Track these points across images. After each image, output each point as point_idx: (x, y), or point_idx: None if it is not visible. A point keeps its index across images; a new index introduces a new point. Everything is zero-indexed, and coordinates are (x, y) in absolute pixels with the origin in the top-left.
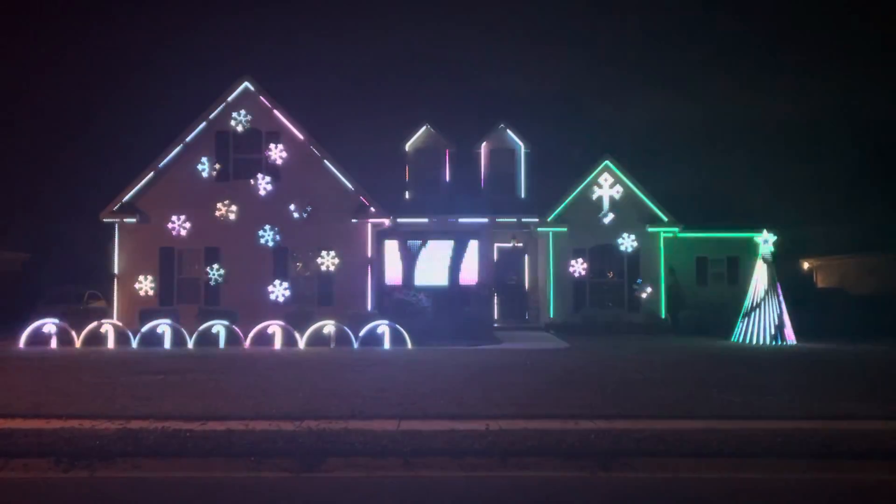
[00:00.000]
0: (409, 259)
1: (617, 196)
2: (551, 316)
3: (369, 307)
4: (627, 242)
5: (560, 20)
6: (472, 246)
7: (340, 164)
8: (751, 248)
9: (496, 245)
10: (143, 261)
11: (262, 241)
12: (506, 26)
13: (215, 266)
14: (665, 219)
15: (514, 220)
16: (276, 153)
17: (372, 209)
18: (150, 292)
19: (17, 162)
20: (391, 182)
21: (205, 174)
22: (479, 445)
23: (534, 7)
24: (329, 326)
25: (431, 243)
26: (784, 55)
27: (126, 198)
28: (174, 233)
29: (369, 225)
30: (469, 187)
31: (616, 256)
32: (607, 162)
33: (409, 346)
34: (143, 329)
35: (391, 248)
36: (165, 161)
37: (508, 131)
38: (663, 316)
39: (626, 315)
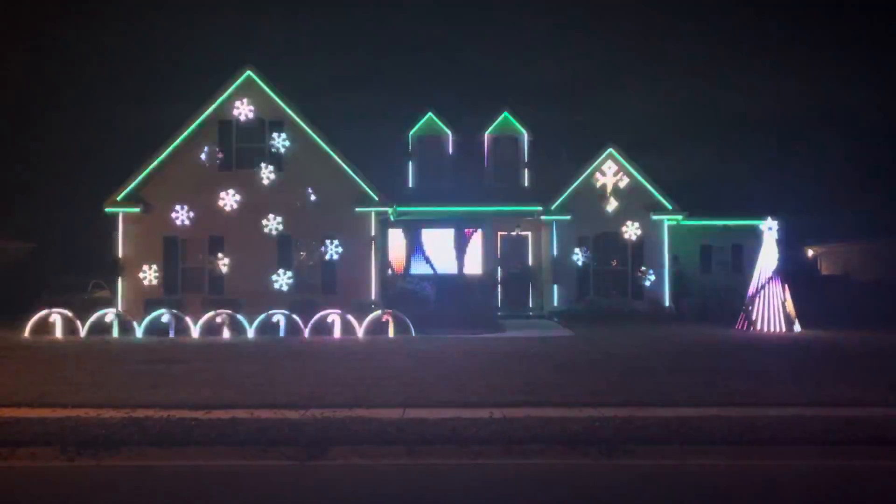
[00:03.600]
0: (413, 247)
1: (621, 184)
2: (555, 304)
3: (373, 296)
4: (631, 230)
5: (564, 8)
6: (476, 234)
7: (344, 153)
8: (755, 236)
9: (500, 233)
10: (147, 250)
11: (266, 230)
12: (510, 14)
13: (219, 255)
14: (669, 206)
15: (518, 208)
16: (280, 142)
17: (375, 198)
18: (155, 282)
19: (21, 152)
20: (394, 170)
21: (208, 164)
22: (483, 433)
23: None
24: (333, 315)
25: (435, 232)
26: (788, 43)
27: (129, 187)
28: (178, 222)
29: (373, 213)
30: (473, 175)
31: (620, 244)
32: (611, 149)
33: (413, 334)
34: (148, 318)
35: (395, 236)
36: (169, 151)
37: (512, 119)
38: (667, 304)
39: (629, 303)
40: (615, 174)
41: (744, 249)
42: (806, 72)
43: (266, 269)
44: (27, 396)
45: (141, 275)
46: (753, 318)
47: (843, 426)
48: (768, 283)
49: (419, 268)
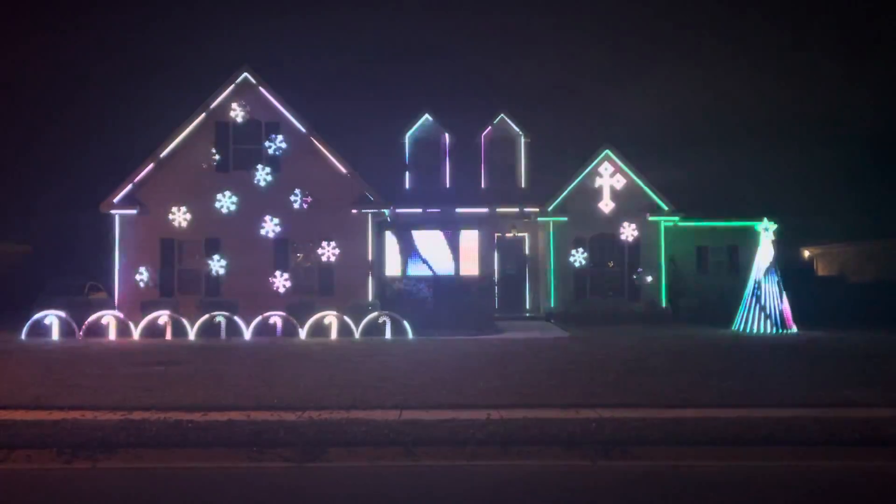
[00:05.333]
0: (410, 249)
1: (617, 185)
2: (552, 305)
3: (370, 297)
4: (628, 231)
5: (559, 9)
6: (473, 236)
7: (340, 154)
8: (751, 237)
9: (496, 235)
10: (143, 252)
11: (263, 231)
12: (505, 14)
13: (216, 257)
14: (665, 207)
15: (515, 209)
16: (276, 144)
17: (372, 199)
18: (151, 283)
19: (17, 155)
20: (391, 172)
21: (205, 165)
22: (480, 434)
23: None
24: (330, 317)
25: (432, 233)
26: (783, 44)
27: (126, 189)
28: (175, 224)
29: (369, 215)
30: (469, 177)
31: (617, 245)
32: (608, 151)
33: (410, 335)
34: (145, 320)
35: (391, 238)
36: (165, 152)
37: (508, 120)
38: (664, 305)
39: (626, 304)
40: (612, 175)
41: (740, 250)
42: (802, 72)
43: (263, 270)
44: (24, 399)
45: (137, 276)
46: (749, 318)
47: (838, 426)
48: (764, 283)
49: (416, 269)
